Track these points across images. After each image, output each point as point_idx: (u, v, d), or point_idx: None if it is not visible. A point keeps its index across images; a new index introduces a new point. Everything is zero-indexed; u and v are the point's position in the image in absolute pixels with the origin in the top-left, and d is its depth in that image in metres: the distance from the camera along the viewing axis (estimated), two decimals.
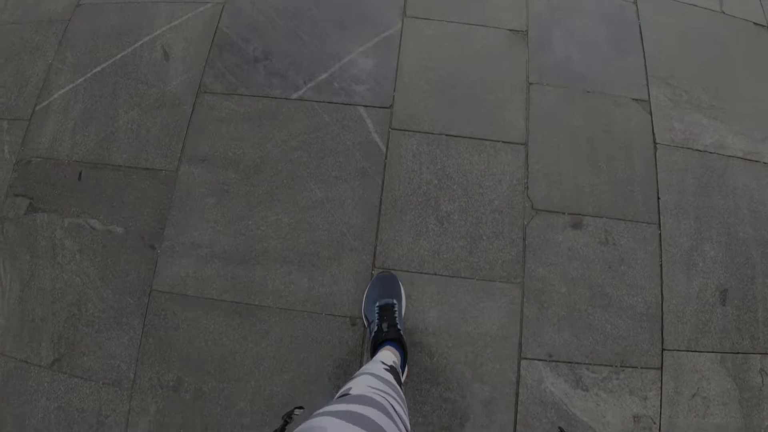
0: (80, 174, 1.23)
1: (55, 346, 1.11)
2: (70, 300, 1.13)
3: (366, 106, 1.20)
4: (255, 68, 1.25)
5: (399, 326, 0.98)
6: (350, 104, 1.20)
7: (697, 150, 1.26)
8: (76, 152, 1.23)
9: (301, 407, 0.58)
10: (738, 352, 1.14)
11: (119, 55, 1.32)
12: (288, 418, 0.55)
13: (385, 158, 1.16)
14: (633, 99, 1.27)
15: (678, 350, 1.11)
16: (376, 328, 0.97)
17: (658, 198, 1.20)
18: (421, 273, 1.09)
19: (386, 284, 1.04)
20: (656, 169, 1.22)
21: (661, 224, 1.18)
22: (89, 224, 1.18)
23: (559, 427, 0.52)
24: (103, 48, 1.34)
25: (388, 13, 1.31)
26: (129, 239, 1.15)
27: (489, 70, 1.26)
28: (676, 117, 1.29)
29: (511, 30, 1.31)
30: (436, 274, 1.09)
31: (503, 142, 1.18)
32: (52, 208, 1.20)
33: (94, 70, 1.32)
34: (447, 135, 1.18)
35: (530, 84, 1.25)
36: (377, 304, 1.01)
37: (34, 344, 1.12)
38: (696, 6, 1.45)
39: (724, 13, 1.46)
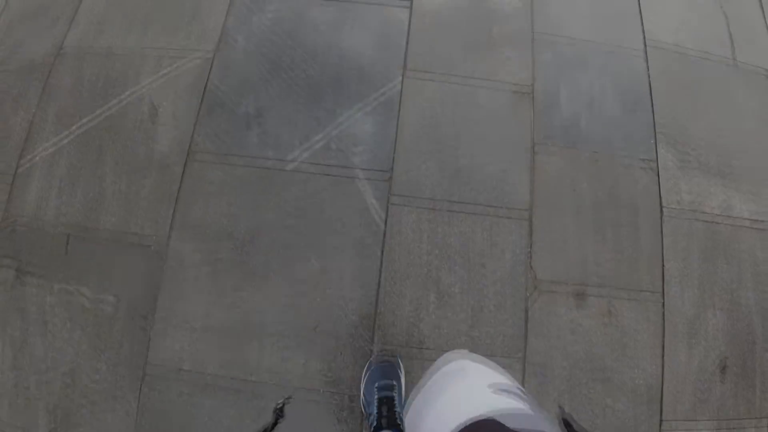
0: (68, 239, 1.18)
1: (51, 416, 1.09)
2: (63, 370, 1.11)
3: (364, 170, 1.16)
4: (248, 128, 1.19)
5: (398, 411, 0.97)
6: (348, 169, 1.16)
7: (703, 214, 1.23)
8: (62, 216, 1.19)
9: (289, 397, 0.56)
10: (733, 419, 1.14)
11: (104, 109, 1.26)
12: (280, 413, 0.52)
13: (385, 228, 1.12)
14: (641, 161, 1.23)
15: (676, 421, 1.11)
16: (375, 412, 0.96)
17: (663, 267, 1.18)
18: (422, 349, 1.07)
19: (385, 366, 1.02)
20: (662, 236, 1.19)
21: (665, 294, 1.16)
22: (79, 292, 1.14)
23: (559, 406, 0.52)
24: (88, 101, 1.27)
25: (387, 67, 1.25)
26: (120, 310, 1.12)
27: (493, 130, 1.21)
28: (684, 180, 1.25)
29: (515, 85, 1.25)
30: (436, 351, 1.08)
31: (507, 209, 1.15)
32: (40, 274, 1.16)
33: (79, 125, 1.26)
34: (448, 203, 1.14)
35: (535, 146, 1.20)
36: (376, 386, 0.99)
37: (31, 413, 1.10)
38: (708, 55, 1.39)
39: (736, 61, 1.41)
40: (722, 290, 1.19)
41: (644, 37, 1.37)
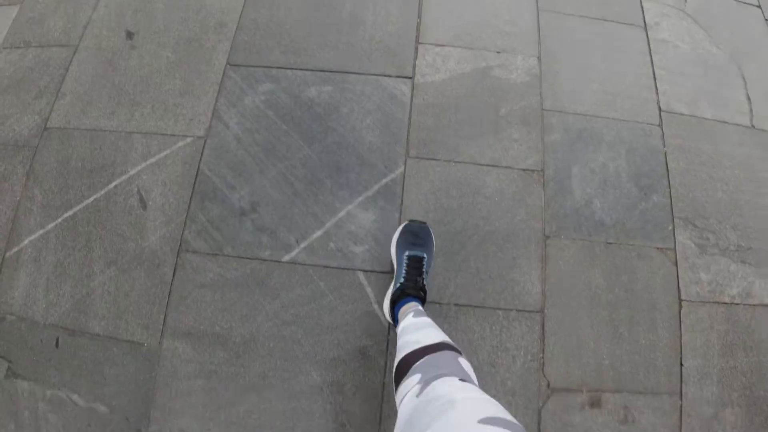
0: (57, 340, 1.12)
1: None
2: None
3: (366, 271, 1.09)
4: (241, 222, 1.13)
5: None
6: (348, 269, 1.09)
7: (723, 303, 1.17)
8: (51, 314, 1.13)
9: None
10: None
11: (91, 198, 1.19)
12: None
13: (388, 335, 1.06)
14: (657, 248, 1.17)
15: None
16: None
17: (681, 365, 1.12)
18: None
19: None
20: (680, 331, 1.13)
21: (683, 394, 1.11)
22: (71, 399, 1.09)
23: None
24: (74, 187, 1.21)
25: (389, 152, 1.18)
26: (114, 420, 1.06)
27: (502, 221, 1.14)
28: (703, 266, 1.19)
29: (525, 170, 1.18)
30: None
31: (517, 310, 1.09)
32: (32, 375, 1.10)
33: (66, 215, 1.19)
34: (456, 305, 1.08)
35: (547, 237, 1.14)
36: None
37: None
38: (726, 123, 1.32)
39: (754, 127, 1.34)
40: (741, 385, 1.14)
41: (659, 109, 1.30)
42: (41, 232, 1.21)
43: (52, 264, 1.18)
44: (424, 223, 1.05)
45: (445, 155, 1.18)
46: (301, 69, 1.26)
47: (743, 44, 1.50)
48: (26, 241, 1.21)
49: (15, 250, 1.20)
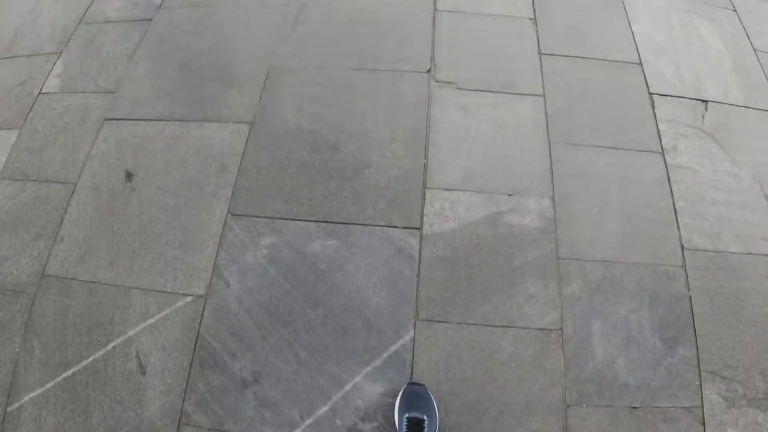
0: None
1: None
2: None
3: None
4: (243, 395, 1.08)
5: None
6: None
7: None
8: None
9: None
10: None
11: (90, 359, 1.15)
12: None
13: None
14: (684, 408, 1.10)
15: None
16: None
17: None
18: None
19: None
20: None
21: None
22: None
23: None
24: (73, 344, 1.17)
25: (397, 315, 1.12)
26: None
27: (519, 389, 1.08)
28: (731, 421, 1.11)
29: (542, 330, 1.11)
30: None
31: None
32: None
33: (64, 375, 1.15)
34: None
35: (568, 406, 1.07)
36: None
37: None
38: (751, 254, 1.24)
39: None
40: None
41: (682, 247, 1.23)
42: (41, 390, 1.17)
43: (53, 426, 1.13)
44: (423, 385, 1.05)
45: (457, 317, 1.12)
46: (304, 220, 1.21)
47: (765, 158, 1.43)
48: (26, 398, 1.17)
49: (16, 405, 1.16)
